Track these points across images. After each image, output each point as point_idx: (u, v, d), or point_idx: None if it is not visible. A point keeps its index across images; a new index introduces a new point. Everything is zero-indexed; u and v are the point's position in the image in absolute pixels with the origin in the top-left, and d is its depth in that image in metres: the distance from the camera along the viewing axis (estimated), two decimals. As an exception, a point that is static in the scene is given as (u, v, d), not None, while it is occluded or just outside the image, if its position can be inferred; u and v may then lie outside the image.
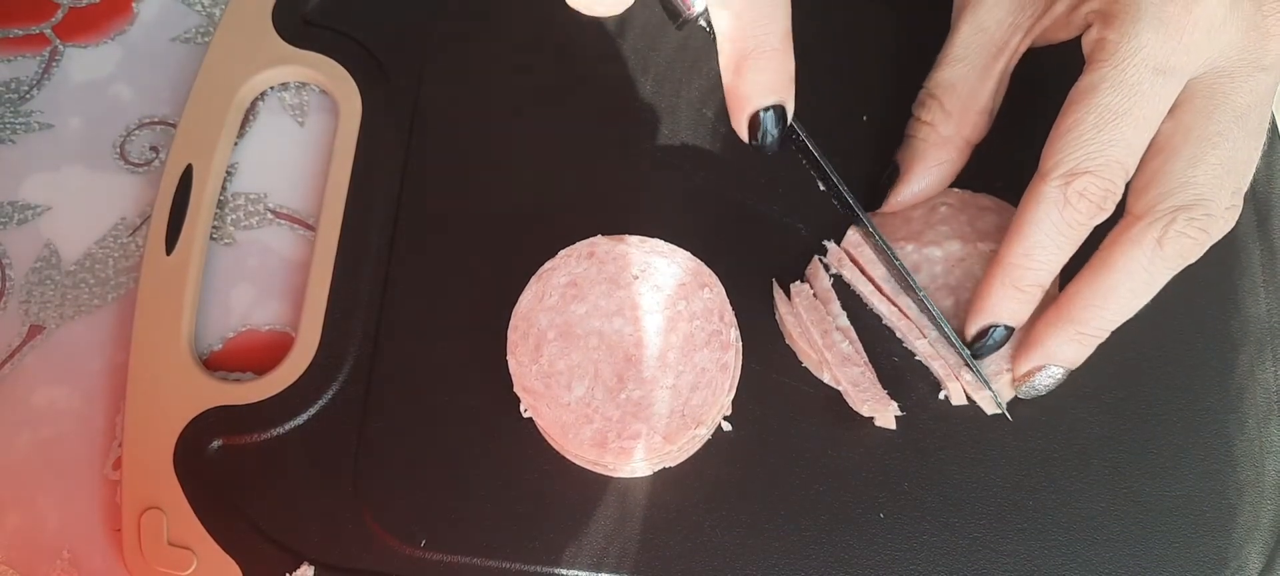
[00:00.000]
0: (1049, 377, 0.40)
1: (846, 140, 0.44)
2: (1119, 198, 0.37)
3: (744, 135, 0.38)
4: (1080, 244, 0.38)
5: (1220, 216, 0.37)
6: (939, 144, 0.42)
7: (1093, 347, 0.39)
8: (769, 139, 0.38)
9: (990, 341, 0.40)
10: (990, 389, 0.40)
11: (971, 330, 0.40)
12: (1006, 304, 0.39)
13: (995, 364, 0.40)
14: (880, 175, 0.43)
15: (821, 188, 0.41)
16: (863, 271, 0.42)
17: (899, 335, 0.42)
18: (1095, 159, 0.36)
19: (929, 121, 0.42)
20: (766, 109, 0.37)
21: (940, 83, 0.42)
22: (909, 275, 0.40)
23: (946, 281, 0.41)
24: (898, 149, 0.43)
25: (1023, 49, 0.41)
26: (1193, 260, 0.37)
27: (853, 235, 0.43)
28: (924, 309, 0.41)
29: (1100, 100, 0.36)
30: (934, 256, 0.42)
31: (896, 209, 0.43)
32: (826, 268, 0.43)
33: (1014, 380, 0.40)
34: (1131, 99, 0.36)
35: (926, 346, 0.41)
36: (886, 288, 0.42)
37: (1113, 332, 0.41)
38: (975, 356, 0.40)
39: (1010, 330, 0.39)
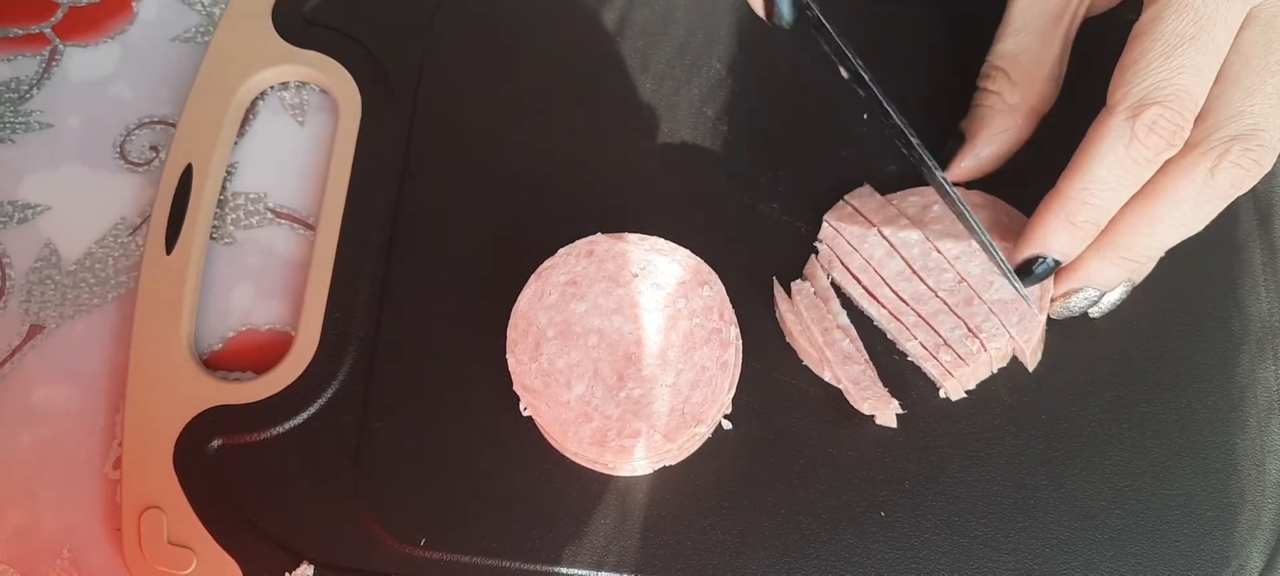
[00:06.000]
0: (1084, 299, 0.40)
1: (848, 139, 0.45)
2: (1187, 133, 0.36)
3: (758, 7, 0.37)
4: (1144, 182, 0.37)
5: (1272, 147, 0.36)
6: (1006, 111, 0.41)
7: (1131, 273, 0.39)
8: (783, 13, 0.37)
9: (1036, 271, 0.39)
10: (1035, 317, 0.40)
11: (1019, 257, 0.39)
12: (1058, 237, 0.38)
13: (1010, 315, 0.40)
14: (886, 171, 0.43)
15: (845, 76, 0.40)
16: (852, 274, 0.42)
17: (890, 336, 0.42)
18: (1165, 88, 0.35)
19: (995, 90, 0.41)
20: None
21: (1003, 54, 0.41)
22: (952, 191, 0.39)
23: (924, 264, 0.41)
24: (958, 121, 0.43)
25: (1082, 13, 0.41)
26: (1243, 191, 0.37)
27: (828, 228, 0.43)
28: (976, 236, 0.40)
29: (1166, 27, 0.35)
30: (911, 239, 0.41)
31: (962, 177, 0.42)
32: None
33: (1052, 298, 0.40)
34: (1198, 23, 0.35)
35: (918, 347, 0.41)
36: (874, 289, 0.42)
37: (1113, 332, 0.41)
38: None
39: (1058, 263, 0.39)
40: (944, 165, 0.42)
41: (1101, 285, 0.39)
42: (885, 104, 0.39)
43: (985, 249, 0.40)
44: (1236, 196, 0.37)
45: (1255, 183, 0.37)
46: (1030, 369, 0.41)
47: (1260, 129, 0.36)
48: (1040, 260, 0.39)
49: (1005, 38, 0.41)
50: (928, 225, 0.42)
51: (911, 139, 0.39)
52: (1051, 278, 0.40)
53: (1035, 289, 0.40)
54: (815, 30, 0.38)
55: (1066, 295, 0.40)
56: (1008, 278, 0.40)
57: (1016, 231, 0.41)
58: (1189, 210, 0.37)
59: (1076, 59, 0.42)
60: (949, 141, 0.43)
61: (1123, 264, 0.39)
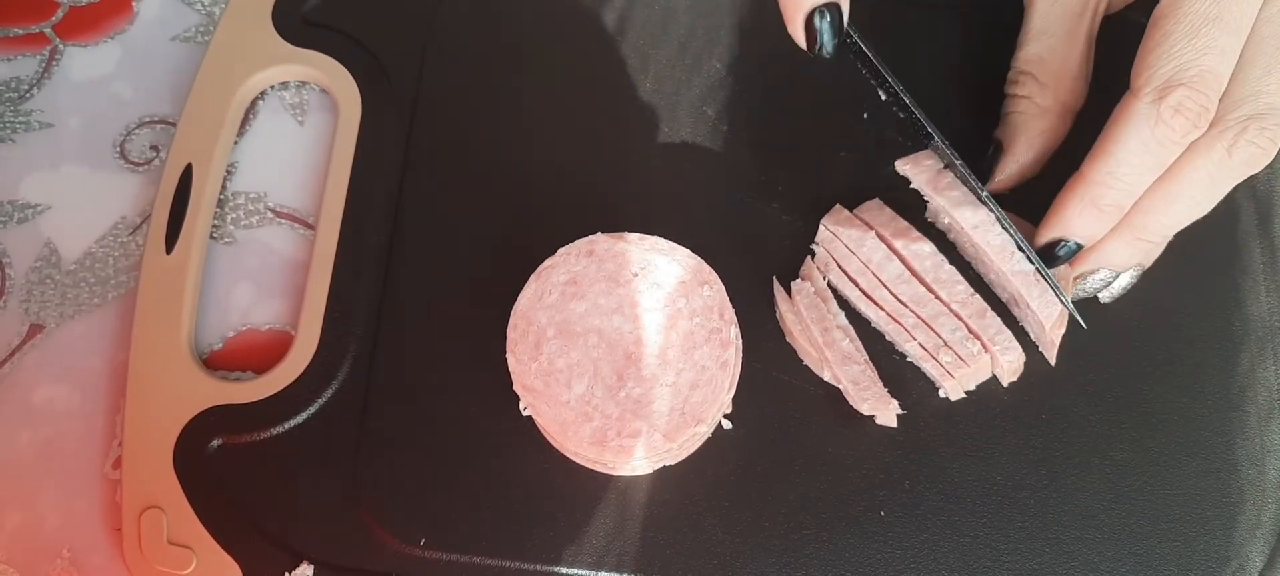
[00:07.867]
0: (1098, 281, 0.40)
1: (849, 139, 0.45)
2: (1212, 114, 0.36)
3: (800, 40, 0.37)
4: (1169, 164, 0.37)
5: None
6: (1039, 114, 0.41)
7: (1147, 252, 0.39)
8: (825, 44, 0.37)
9: (1058, 254, 0.39)
10: (1067, 304, 0.40)
11: (1042, 240, 0.39)
12: (1082, 221, 0.38)
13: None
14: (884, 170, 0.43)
15: (883, 97, 0.40)
16: (850, 277, 0.42)
17: (888, 337, 0.42)
18: (1190, 70, 0.35)
19: (1026, 95, 0.41)
20: (822, 10, 0.36)
21: (1029, 58, 0.41)
22: (981, 192, 0.40)
23: (936, 276, 0.41)
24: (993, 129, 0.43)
25: (1103, 8, 0.41)
26: (1259, 170, 0.37)
27: (824, 232, 0.42)
28: (1006, 231, 0.40)
29: (1189, 8, 0.35)
30: (923, 252, 0.41)
31: (1004, 186, 0.42)
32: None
33: (1072, 280, 0.40)
34: (1220, 3, 0.35)
35: (916, 348, 0.41)
36: (872, 292, 0.41)
37: (1114, 332, 0.41)
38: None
39: (1080, 246, 0.39)
40: (985, 177, 0.42)
41: (1116, 266, 0.39)
42: (924, 122, 0.39)
43: (1019, 249, 0.40)
44: (1250, 174, 0.37)
45: (1271, 160, 0.36)
46: (1052, 360, 0.41)
47: (1277, 108, 0.36)
48: (1062, 243, 0.39)
49: (1028, 42, 0.41)
50: (942, 191, 0.41)
51: (953, 158, 0.40)
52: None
53: (1063, 269, 0.40)
54: (856, 56, 0.39)
55: (1082, 276, 0.40)
56: (1041, 273, 0.40)
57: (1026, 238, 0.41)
58: (1205, 189, 0.37)
59: (1103, 52, 0.41)
60: (988, 152, 0.42)
61: (1138, 244, 0.38)
